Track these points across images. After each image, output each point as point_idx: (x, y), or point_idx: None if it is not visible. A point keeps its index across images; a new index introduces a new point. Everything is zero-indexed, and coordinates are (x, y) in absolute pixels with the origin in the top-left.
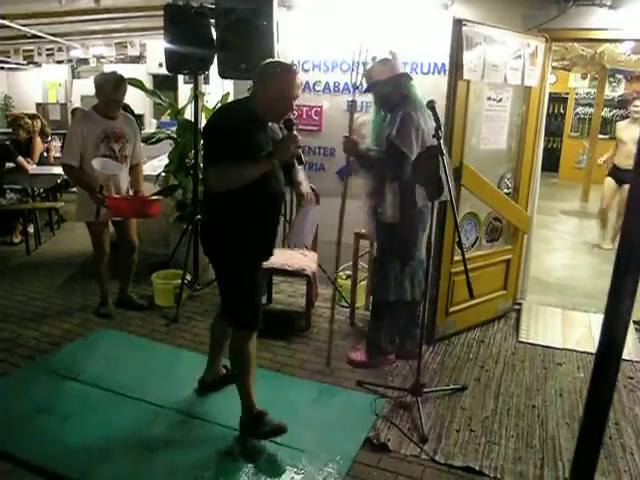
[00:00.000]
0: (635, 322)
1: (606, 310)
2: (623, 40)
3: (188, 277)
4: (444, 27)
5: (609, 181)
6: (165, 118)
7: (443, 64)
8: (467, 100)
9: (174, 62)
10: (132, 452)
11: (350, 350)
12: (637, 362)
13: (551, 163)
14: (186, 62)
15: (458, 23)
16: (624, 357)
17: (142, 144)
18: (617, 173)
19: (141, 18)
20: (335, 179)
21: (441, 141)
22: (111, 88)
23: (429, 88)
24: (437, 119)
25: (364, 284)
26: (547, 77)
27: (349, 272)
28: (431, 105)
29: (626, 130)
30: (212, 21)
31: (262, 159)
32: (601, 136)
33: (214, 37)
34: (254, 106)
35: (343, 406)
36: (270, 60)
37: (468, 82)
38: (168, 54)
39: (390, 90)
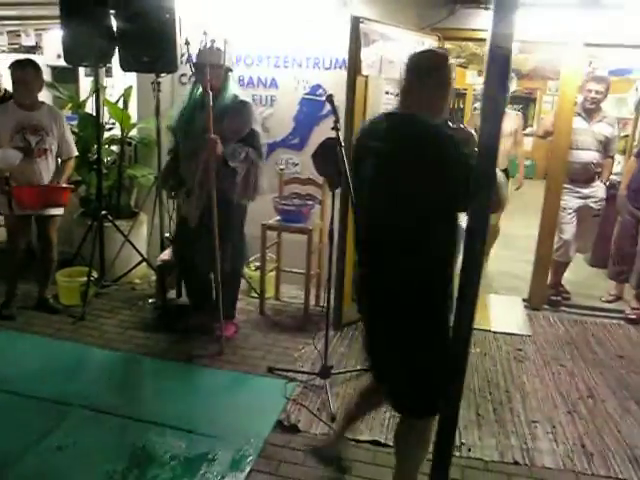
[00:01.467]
0: (524, 300)
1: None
2: None
3: (94, 274)
4: (344, 24)
5: None
6: (66, 112)
7: (344, 59)
8: (366, 94)
9: (72, 54)
10: (42, 453)
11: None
12: (526, 336)
13: None
14: (85, 54)
15: (356, 20)
16: (515, 332)
17: None
18: None
19: (36, 5)
20: None
21: (339, 133)
22: (12, 70)
23: (330, 83)
24: (335, 112)
25: (273, 274)
26: None
27: (258, 263)
28: (330, 99)
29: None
30: (112, 12)
31: None
32: None
33: (115, 28)
34: (434, 115)
35: (255, 392)
36: (418, 53)
37: (366, 77)
38: (66, 45)
39: (220, 76)
